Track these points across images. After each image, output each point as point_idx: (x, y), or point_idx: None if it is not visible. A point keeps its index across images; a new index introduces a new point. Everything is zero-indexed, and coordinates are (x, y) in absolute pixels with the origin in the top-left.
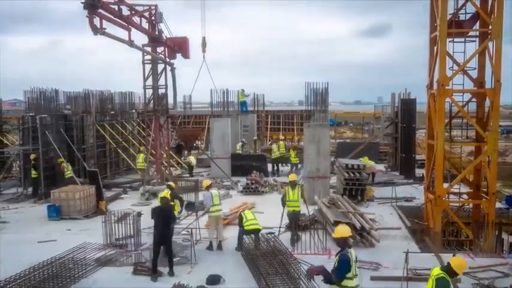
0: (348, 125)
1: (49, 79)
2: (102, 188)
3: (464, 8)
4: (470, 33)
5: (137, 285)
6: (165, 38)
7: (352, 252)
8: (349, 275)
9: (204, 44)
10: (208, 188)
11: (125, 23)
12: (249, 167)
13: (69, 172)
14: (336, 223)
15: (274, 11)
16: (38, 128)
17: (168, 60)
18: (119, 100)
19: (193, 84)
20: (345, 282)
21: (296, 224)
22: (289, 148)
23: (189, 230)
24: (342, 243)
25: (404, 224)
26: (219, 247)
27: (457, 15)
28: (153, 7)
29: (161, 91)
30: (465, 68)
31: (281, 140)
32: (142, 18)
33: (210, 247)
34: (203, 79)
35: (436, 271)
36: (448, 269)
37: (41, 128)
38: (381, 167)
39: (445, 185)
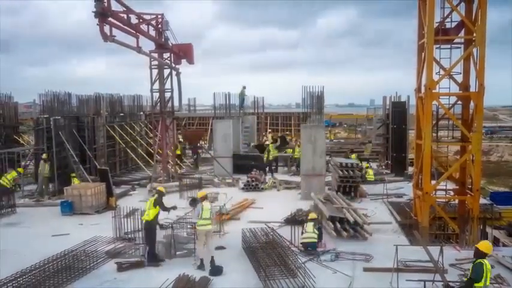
0: (342, 126)
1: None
2: (112, 185)
3: (450, 16)
4: (456, 40)
5: (143, 276)
6: (171, 44)
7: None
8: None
9: None
10: (202, 199)
11: (133, 31)
12: (249, 166)
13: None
14: (331, 218)
15: None
16: (52, 129)
17: (173, 65)
18: (128, 103)
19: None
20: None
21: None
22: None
23: (193, 224)
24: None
25: (394, 219)
26: (212, 264)
27: (443, 23)
28: (159, 16)
29: (167, 94)
30: (451, 73)
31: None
32: (150, 26)
33: (201, 266)
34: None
35: None
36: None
37: (54, 129)
38: (373, 165)
39: (433, 182)
